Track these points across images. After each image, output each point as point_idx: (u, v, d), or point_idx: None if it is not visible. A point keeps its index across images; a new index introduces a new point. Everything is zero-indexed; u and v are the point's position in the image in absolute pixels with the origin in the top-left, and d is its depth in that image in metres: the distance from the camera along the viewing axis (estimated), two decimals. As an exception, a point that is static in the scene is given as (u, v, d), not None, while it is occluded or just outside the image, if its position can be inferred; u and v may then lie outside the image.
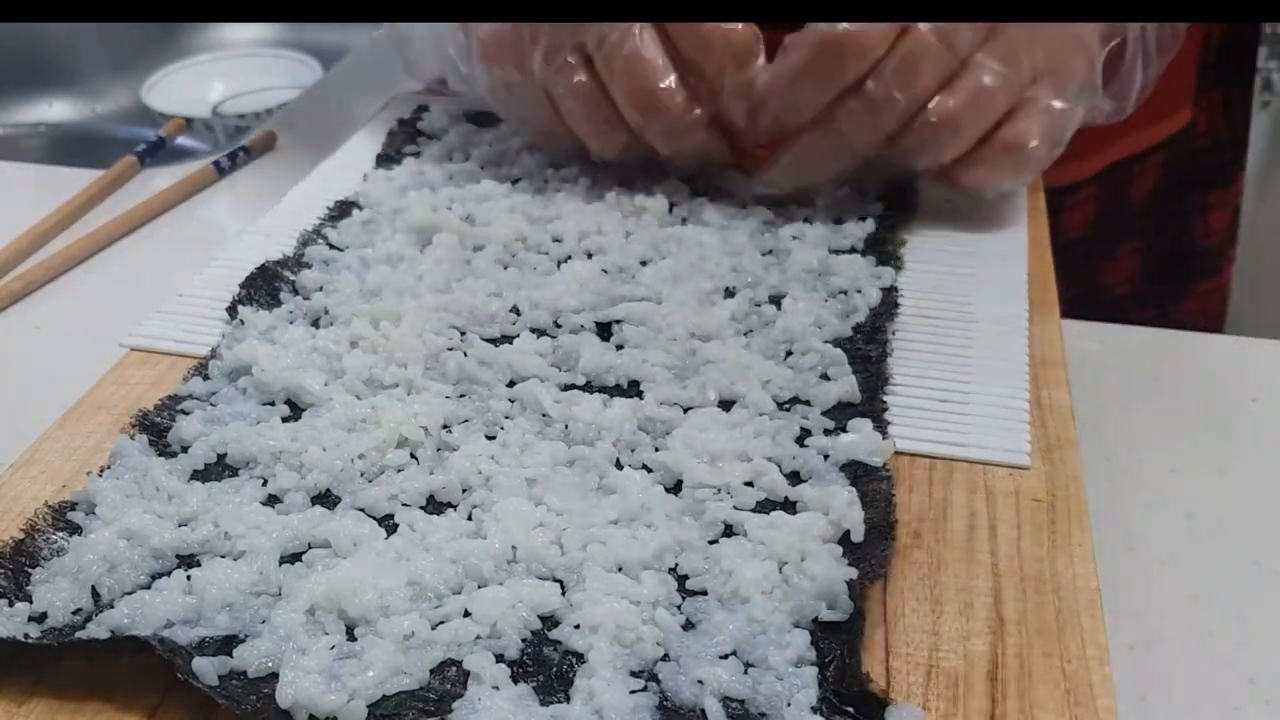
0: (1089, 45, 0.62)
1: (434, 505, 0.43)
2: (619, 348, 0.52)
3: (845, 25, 0.57)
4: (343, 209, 0.63)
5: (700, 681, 0.36)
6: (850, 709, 0.36)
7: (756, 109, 0.60)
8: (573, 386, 0.49)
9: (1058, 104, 0.60)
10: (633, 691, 0.36)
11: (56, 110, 1.25)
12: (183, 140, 1.00)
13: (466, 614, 0.38)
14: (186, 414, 0.47)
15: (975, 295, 0.57)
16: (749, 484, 0.44)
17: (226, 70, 1.19)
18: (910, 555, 0.42)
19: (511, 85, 0.64)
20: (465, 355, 0.51)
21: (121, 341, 0.53)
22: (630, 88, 0.60)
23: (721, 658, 0.37)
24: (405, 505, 0.43)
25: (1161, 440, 0.56)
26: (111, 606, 0.38)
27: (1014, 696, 0.37)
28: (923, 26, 0.57)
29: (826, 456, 0.45)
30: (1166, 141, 0.89)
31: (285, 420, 0.47)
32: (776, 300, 0.55)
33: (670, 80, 0.60)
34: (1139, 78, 0.66)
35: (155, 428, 0.47)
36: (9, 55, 1.22)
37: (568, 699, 0.36)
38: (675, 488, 0.44)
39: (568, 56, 0.61)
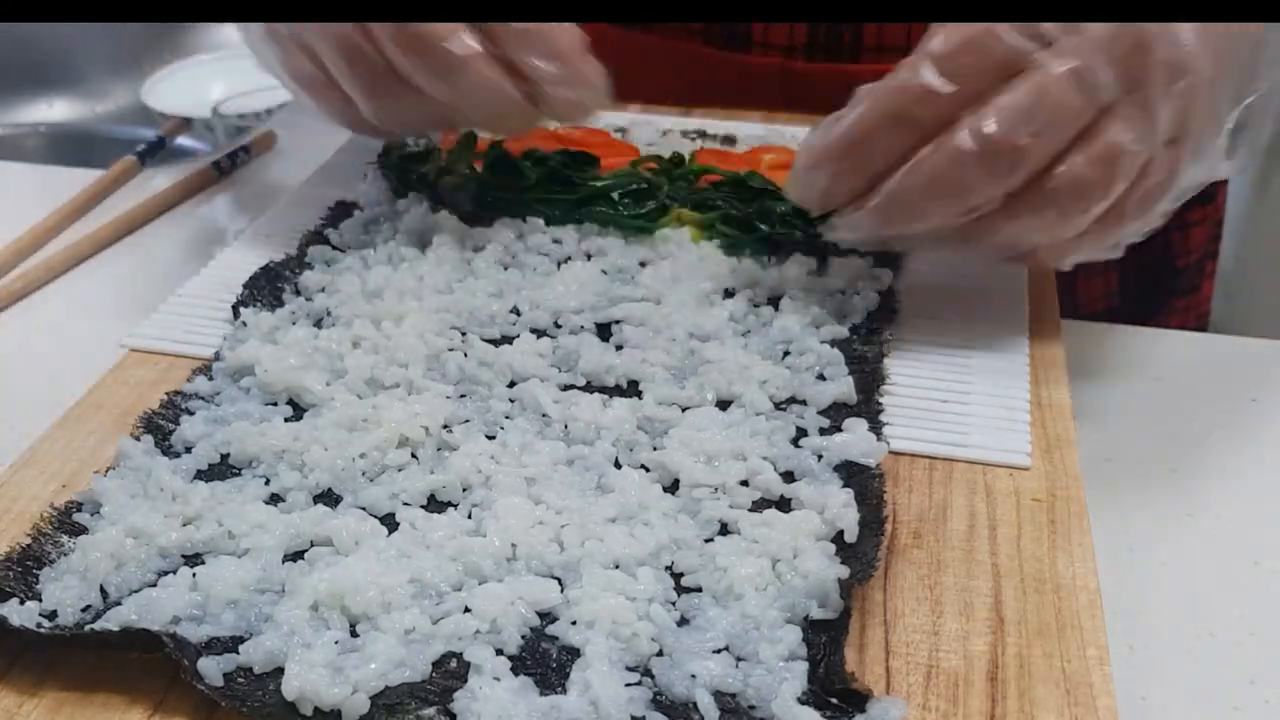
0: (1219, 107, 0.50)
1: (435, 504, 0.44)
2: (618, 348, 0.52)
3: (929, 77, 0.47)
4: (343, 209, 0.63)
5: (693, 675, 0.36)
6: (834, 699, 0.36)
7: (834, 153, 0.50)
8: (572, 387, 0.50)
9: (1178, 167, 0.50)
10: (628, 685, 0.36)
11: (56, 110, 1.25)
12: (183, 140, 1.00)
13: (466, 610, 0.38)
14: (190, 414, 0.47)
15: (975, 295, 0.57)
16: (744, 483, 0.44)
17: (226, 70, 1.18)
18: (910, 555, 0.42)
19: (275, 33, 0.59)
20: (465, 356, 0.51)
21: (121, 341, 0.53)
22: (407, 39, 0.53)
23: (714, 652, 0.37)
24: (406, 504, 0.43)
25: (1161, 440, 0.56)
26: (119, 604, 0.38)
27: (1014, 696, 0.37)
28: (1055, 68, 0.46)
29: (821, 456, 0.46)
30: None
31: (287, 420, 0.47)
32: (775, 301, 0.55)
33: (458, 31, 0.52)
34: (1265, 135, 0.54)
35: (159, 429, 0.47)
36: (9, 55, 1.22)
37: (565, 692, 0.36)
38: (673, 487, 0.44)
39: None
